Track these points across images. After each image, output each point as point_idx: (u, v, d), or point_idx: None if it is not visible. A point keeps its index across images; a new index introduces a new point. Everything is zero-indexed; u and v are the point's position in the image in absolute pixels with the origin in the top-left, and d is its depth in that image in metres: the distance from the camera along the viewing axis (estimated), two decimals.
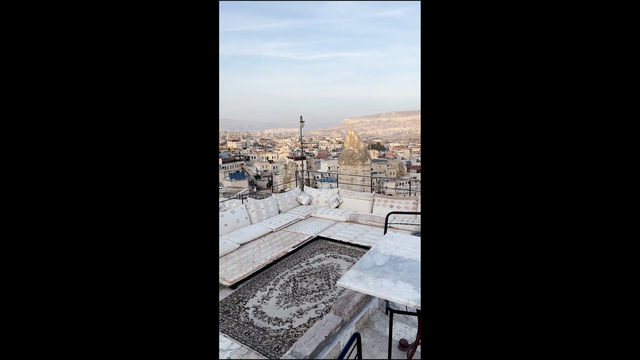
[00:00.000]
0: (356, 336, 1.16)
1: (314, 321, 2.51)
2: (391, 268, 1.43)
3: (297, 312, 2.81)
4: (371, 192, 6.60)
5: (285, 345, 2.30)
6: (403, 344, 1.88)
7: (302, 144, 7.54)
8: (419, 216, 4.63)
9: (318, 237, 4.63)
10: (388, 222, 4.81)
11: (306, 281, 3.36)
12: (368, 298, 2.24)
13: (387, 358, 1.73)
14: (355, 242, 4.40)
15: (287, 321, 2.67)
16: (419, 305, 1.19)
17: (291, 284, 3.32)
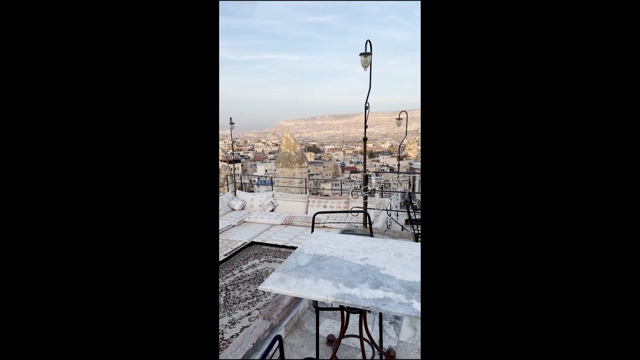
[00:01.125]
0: (278, 338, 1.17)
1: None
2: (314, 267, 1.47)
3: (229, 322, 2.69)
4: (306, 193, 6.70)
5: None
6: (330, 339, 1.95)
7: (234, 146, 7.27)
8: (349, 214, 4.87)
9: (252, 243, 4.52)
10: (321, 221, 4.95)
11: (239, 289, 3.25)
12: (298, 299, 2.27)
13: (315, 356, 1.77)
14: (290, 244, 4.41)
15: (218, 333, 2.54)
16: (339, 300, 1.25)
17: (223, 293, 3.18)
